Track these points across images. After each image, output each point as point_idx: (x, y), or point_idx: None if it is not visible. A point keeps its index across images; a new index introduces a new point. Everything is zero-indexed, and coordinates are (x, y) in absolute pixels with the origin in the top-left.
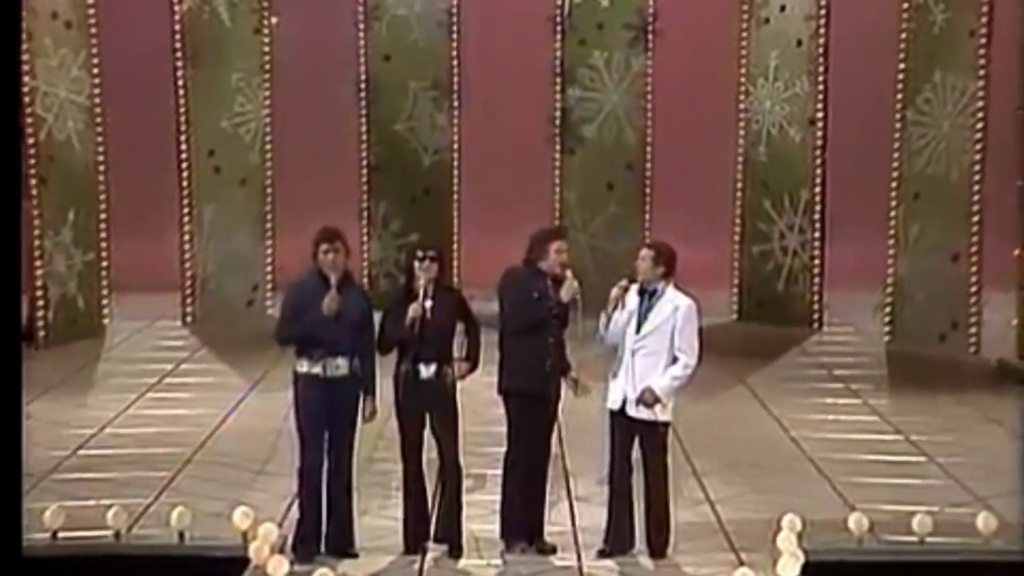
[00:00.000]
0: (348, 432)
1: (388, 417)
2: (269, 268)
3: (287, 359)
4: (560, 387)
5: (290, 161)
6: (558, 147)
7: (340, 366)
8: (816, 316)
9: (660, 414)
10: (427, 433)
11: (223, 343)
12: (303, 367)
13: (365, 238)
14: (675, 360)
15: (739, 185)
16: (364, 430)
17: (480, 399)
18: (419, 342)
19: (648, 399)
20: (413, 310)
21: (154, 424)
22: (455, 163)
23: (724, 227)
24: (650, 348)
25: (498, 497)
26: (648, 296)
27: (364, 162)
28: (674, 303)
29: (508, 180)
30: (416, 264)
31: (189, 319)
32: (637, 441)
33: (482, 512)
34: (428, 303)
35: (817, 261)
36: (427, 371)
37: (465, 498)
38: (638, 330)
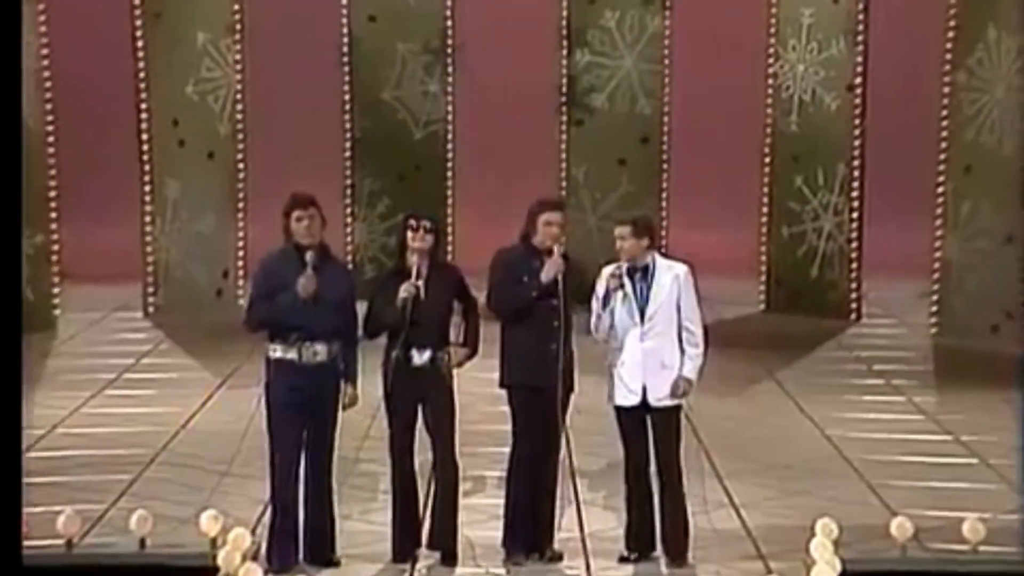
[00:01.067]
0: (327, 425)
1: (374, 416)
2: (240, 253)
3: (261, 352)
4: (571, 379)
5: (264, 133)
6: (564, 118)
7: (318, 352)
8: (854, 306)
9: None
10: (419, 427)
11: (189, 336)
12: (276, 352)
13: (348, 220)
14: (681, 335)
15: (767, 160)
16: (348, 429)
17: (482, 395)
18: (412, 325)
19: (686, 389)
20: (405, 288)
21: (111, 424)
22: (449, 136)
23: (750, 207)
24: (658, 328)
25: (499, 501)
26: (640, 275)
27: (347, 135)
28: (671, 272)
29: (508, 155)
30: (408, 236)
31: (151, 310)
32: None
33: (480, 517)
34: (422, 281)
35: (855, 244)
36: (420, 357)
37: (462, 501)
38: (642, 314)
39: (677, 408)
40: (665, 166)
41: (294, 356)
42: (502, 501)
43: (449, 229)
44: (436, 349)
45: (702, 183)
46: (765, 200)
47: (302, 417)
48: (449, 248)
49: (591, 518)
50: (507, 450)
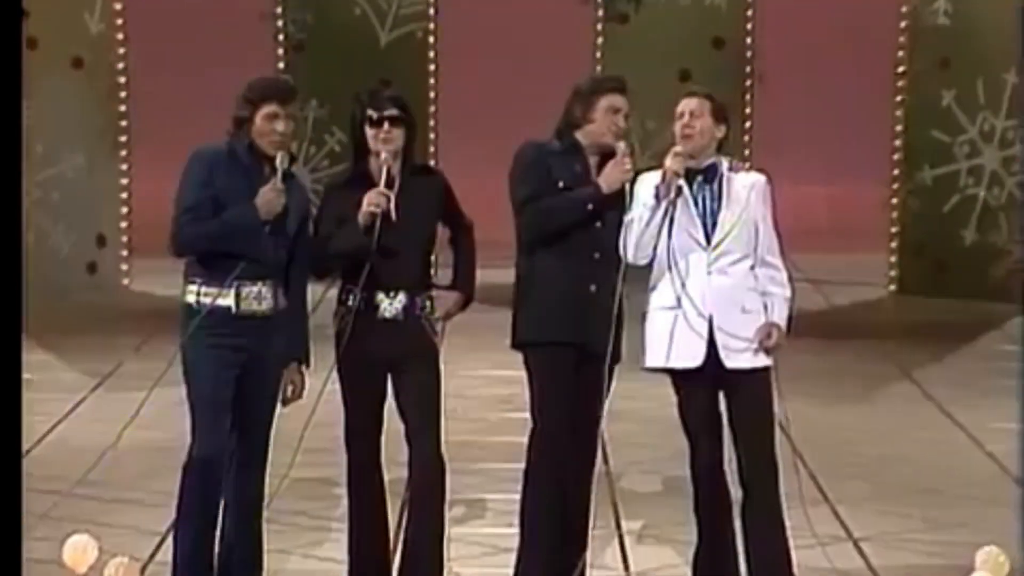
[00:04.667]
0: (267, 410)
1: (308, 423)
2: (124, 209)
3: (154, 348)
4: (618, 342)
5: (156, 32)
6: (600, 12)
7: (264, 298)
8: None
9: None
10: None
11: (48, 325)
12: (204, 296)
13: None
14: (754, 266)
15: (901, 69)
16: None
17: (480, 396)
18: (378, 256)
19: (778, 340)
20: (369, 201)
21: None
22: (431, 40)
23: (875, 141)
24: (732, 255)
25: (503, 531)
26: (703, 178)
27: (280, 37)
28: (746, 180)
29: (518, 67)
30: (368, 134)
31: None
32: (724, 407)
33: (477, 551)
34: (392, 193)
35: None
36: (391, 305)
37: (453, 529)
38: (708, 236)
39: (764, 372)
40: (748, 83)
41: (230, 302)
42: (507, 530)
43: None
44: (414, 293)
45: (802, 106)
46: (898, 129)
47: (233, 392)
48: None
49: (639, 553)
50: (514, 466)
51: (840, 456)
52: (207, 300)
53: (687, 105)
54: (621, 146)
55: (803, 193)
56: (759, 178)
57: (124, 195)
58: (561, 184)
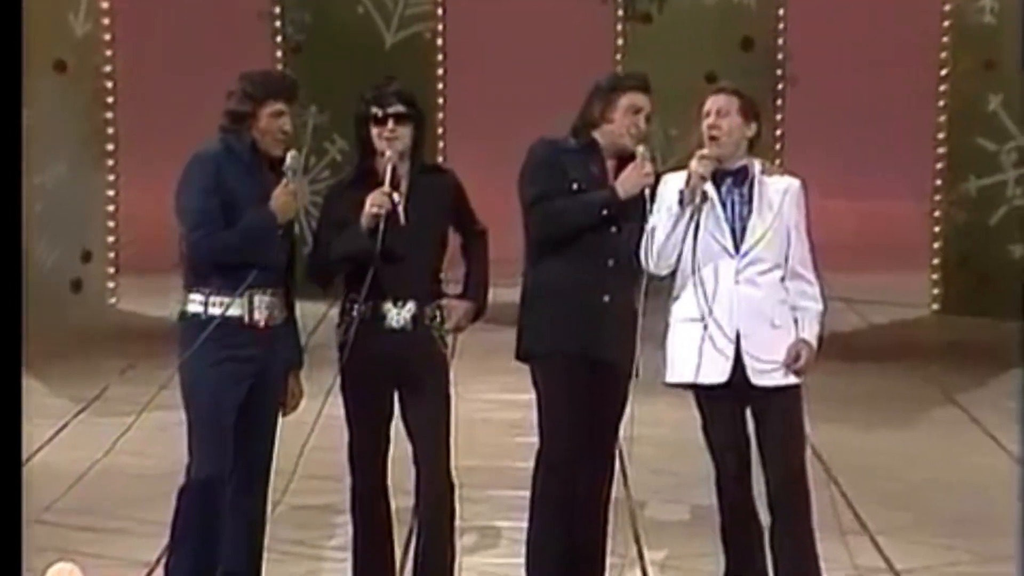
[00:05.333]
0: (271, 424)
1: (305, 447)
2: (111, 223)
3: (141, 370)
4: (631, 354)
5: (145, 34)
6: (620, 12)
7: (274, 306)
8: None
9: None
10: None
11: (32, 346)
12: (214, 306)
13: None
14: (784, 278)
15: (944, 71)
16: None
17: (491, 420)
18: (385, 262)
19: (808, 359)
20: (373, 202)
21: None
22: (439, 42)
23: (915, 150)
24: (763, 264)
25: (517, 560)
26: (733, 181)
27: (279, 38)
28: (779, 185)
29: (532, 71)
30: (373, 133)
31: None
32: (753, 427)
33: None
34: (398, 195)
35: None
36: (399, 314)
37: (464, 559)
38: (737, 243)
39: (795, 390)
40: (779, 86)
41: (241, 311)
42: (520, 560)
43: None
44: (422, 302)
45: (837, 112)
46: (940, 136)
47: (242, 407)
48: None
49: None
50: (526, 493)
51: (879, 483)
52: (216, 310)
53: (714, 103)
54: (641, 149)
55: (837, 205)
56: (793, 182)
57: (110, 208)
58: (576, 186)
